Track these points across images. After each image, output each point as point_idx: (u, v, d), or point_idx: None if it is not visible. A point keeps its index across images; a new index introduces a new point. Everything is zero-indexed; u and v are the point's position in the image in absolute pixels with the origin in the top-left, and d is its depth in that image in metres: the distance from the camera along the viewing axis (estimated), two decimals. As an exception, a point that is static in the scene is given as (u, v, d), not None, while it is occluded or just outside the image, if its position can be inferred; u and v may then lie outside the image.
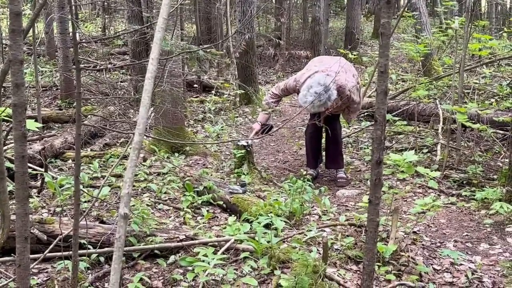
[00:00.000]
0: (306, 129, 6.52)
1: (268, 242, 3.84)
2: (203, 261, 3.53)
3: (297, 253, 3.67)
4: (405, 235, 4.24)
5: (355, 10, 17.72)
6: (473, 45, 7.14)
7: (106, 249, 3.85)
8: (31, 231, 3.87)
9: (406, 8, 11.88)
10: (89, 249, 3.84)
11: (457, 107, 5.81)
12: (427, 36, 10.76)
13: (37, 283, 3.69)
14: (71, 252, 3.67)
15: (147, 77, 1.62)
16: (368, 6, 26.39)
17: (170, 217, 4.88)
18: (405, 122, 7.66)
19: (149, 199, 5.17)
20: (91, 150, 6.93)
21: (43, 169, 5.69)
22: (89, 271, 3.81)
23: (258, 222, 4.20)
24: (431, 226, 4.76)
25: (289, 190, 4.98)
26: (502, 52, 10.13)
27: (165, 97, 6.49)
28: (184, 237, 4.12)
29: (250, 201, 4.84)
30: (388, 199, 4.52)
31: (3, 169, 3.33)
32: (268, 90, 8.00)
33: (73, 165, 6.26)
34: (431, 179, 4.05)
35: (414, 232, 4.45)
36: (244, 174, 5.86)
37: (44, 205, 4.95)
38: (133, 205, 4.61)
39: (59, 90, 10.27)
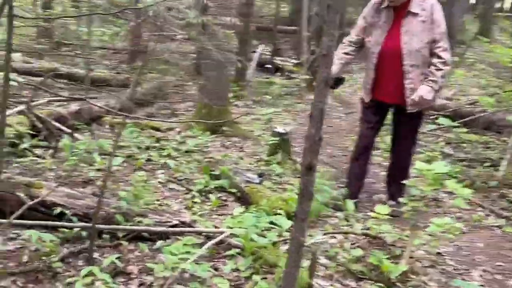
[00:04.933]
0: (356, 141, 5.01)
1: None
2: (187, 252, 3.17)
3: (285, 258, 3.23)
4: (426, 256, 3.69)
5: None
6: None
7: (79, 224, 3.55)
8: (16, 193, 3.65)
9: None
10: (71, 221, 3.58)
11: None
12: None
13: (10, 250, 3.48)
14: (36, 222, 3.47)
15: None
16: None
17: (179, 198, 4.53)
18: (465, 130, 6.77)
19: (164, 176, 4.85)
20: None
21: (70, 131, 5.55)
22: (66, 245, 3.54)
23: (258, 217, 3.77)
24: (463, 249, 4.13)
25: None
26: None
27: (210, 77, 6.26)
28: (178, 222, 3.78)
29: (263, 194, 4.39)
30: (410, 213, 3.79)
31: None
32: None
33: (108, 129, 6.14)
34: (460, 197, 3.45)
35: (439, 253, 3.87)
36: (275, 163, 5.40)
37: (54, 167, 4.74)
38: (128, 181, 4.31)
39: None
